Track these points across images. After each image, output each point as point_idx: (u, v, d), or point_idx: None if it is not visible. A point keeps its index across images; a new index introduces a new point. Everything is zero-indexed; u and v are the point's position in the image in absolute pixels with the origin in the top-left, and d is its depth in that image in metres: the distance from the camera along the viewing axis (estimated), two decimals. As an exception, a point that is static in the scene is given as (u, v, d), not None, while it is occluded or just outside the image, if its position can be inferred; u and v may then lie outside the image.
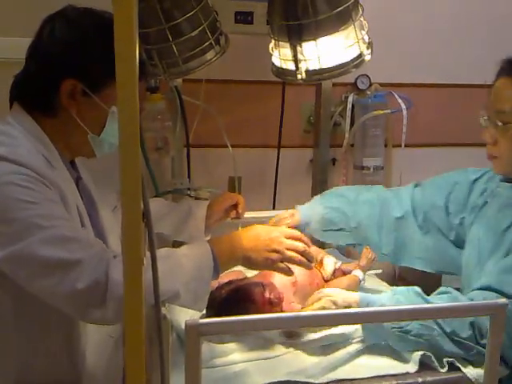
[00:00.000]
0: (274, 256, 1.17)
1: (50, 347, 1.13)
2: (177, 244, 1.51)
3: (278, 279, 1.34)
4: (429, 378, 1.14)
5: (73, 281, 0.97)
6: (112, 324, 1.11)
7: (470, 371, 1.17)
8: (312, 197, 2.08)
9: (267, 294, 1.28)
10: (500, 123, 1.27)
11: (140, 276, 0.73)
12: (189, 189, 1.85)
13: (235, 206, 1.49)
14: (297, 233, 1.24)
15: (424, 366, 1.17)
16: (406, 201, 1.51)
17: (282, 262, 1.18)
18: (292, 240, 1.20)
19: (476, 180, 1.46)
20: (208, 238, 1.47)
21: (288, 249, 1.18)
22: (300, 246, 1.20)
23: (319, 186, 2.07)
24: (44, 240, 0.98)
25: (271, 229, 1.23)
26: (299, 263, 1.21)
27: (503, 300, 1.10)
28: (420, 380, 1.14)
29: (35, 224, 0.99)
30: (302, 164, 2.15)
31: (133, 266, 0.73)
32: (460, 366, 1.17)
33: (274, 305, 1.28)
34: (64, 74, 1.09)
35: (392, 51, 2.03)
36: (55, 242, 0.99)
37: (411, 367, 1.16)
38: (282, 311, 1.28)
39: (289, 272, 1.21)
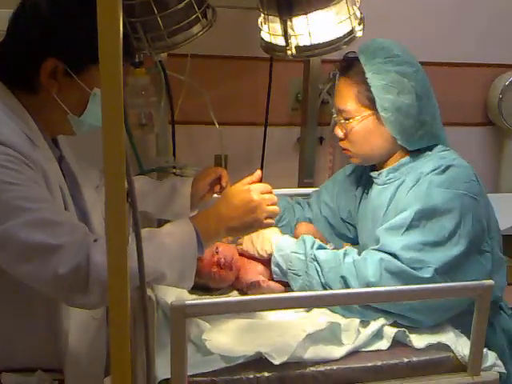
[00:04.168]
0: (260, 215, 1.17)
1: (32, 329, 1.11)
2: (161, 222, 1.49)
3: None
4: (414, 359, 1.14)
5: (54, 266, 0.95)
6: (96, 308, 1.10)
7: (460, 352, 1.16)
8: (299, 176, 2.09)
9: (217, 257, 1.35)
10: (343, 120, 1.38)
11: (125, 257, 0.71)
12: (174, 167, 1.82)
13: (219, 180, 1.46)
14: (267, 186, 1.23)
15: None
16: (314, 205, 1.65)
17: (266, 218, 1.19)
18: (266, 194, 1.20)
19: (351, 174, 1.59)
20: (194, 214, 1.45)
21: (267, 204, 1.19)
22: (274, 197, 1.21)
23: (306, 164, 2.06)
24: (26, 223, 0.96)
25: (245, 190, 1.20)
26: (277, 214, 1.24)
27: (489, 281, 1.11)
28: (405, 360, 1.14)
29: (17, 206, 0.96)
30: (289, 142, 2.13)
31: (117, 247, 0.71)
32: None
33: (222, 267, 1.34)
34: (46, 52, 1.04)
35: (382, 28, 2.00)
36: (37, 226, 0.96)
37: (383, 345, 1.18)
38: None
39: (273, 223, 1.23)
